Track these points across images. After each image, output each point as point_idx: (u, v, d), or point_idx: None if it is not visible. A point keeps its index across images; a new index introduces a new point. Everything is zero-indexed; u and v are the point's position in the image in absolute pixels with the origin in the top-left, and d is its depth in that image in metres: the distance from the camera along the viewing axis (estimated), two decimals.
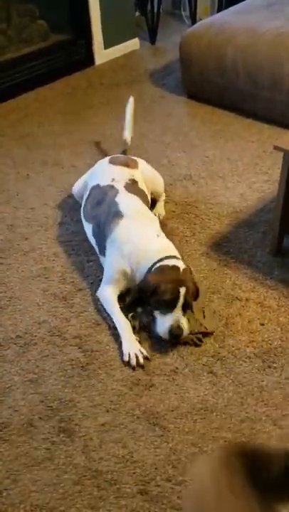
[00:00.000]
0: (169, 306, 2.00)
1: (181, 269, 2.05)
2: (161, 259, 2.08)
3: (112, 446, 1.74)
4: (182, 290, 2.00)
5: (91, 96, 3.87)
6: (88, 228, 2.41)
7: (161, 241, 2.19)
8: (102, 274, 2.33)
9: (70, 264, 2.42)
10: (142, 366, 1.96)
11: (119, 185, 2.37)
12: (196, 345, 2.04)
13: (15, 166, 3.12)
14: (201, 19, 4.53)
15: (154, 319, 2.06)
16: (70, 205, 2.79)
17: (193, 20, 4.85)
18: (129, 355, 1.98)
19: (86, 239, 2.55)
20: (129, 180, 2.43)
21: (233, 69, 3.39)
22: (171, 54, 4.35)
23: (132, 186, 2.40)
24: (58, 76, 4.07)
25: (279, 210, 2.33)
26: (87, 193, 2.49)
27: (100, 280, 2.30)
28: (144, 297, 2.06)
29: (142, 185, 2.47)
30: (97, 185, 2.44)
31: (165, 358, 2.01)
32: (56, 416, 1.83)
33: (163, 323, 2.01)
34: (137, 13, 4.80)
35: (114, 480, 1.65)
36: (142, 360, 1.97)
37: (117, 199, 2.30)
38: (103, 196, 2.36)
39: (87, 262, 2.43)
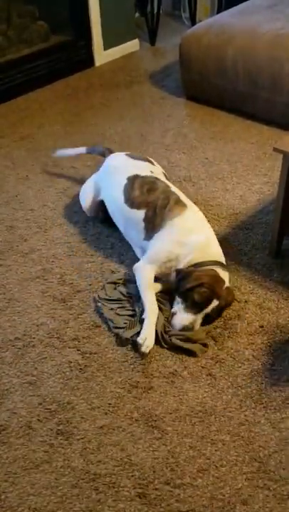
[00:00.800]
0: (194, 307, 2.04)
1: (225, 285, 2.11)
2: (216, 263, 2.14)
3: (111, 449, 1.73)
4: (214, 303, 2.06)
5: (91, 97, 3.87)
6: (137, 215, 2.31)
7: (218, 245, 2.25)
8: (101, 275, 2.34)
9: (69, 266, 2.42)
10: (144, 354, 1.99)
11: (164, 179, 2.41)
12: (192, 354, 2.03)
13: (14, 167, 3.12)
14: (200, 20, 4.54)
15: (174, 309, 2.10)
16: (69, 207, 2.79)
17: (193, 22, 4.85)
18: (145, 341, 1.99)
19: (85, 240, 2.55)
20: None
21: (233, 70, 3.38)
22: (171, 55, 4.35)
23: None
24: (58, 77, 4.07)
25: (278, 211, 2.32)
26: (124, 182, 2.40)
27: (99, 282, 2.30)
28: (178, 284, 2.09)
29: None
30: (137, 176, 2.40)
31: (164, 360, 2.00)
32: (54, 418, 1.82)
33: (180, 318, 2.06)
34: (137, 14, 4.80)
35: (112, 483, 1.65)
36: (147, 350, 1.99)
37: (173, 190, 2.33)
38: (153, 185, 2.35)
39: (86, 264, 2.42)
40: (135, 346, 2.02)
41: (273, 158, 3.02)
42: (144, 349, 1.99)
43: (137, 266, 2.24)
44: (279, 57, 3.19)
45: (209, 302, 2.05)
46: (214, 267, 2.11)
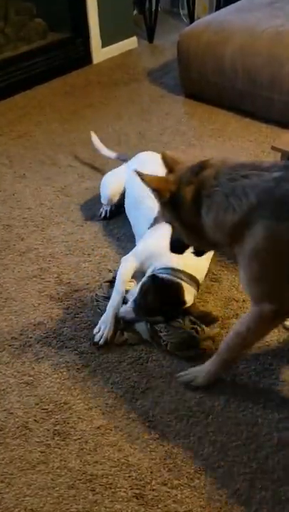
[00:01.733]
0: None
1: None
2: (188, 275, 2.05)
3: (108, 450, 1.72)
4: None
5: (89, 95, 3.85)
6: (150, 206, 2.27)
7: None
8: (98, 274, 2.34)
9: (66, 265, 2.41)
10: (96, 345, 2.02)
11: None
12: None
13: (12, 165, 3.10)
14: (199, 18, 4.51)
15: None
16: (66, 205, 2.77)
17: (192, 19, 4.82)
18: (100, 330, 2.03)
19: (82, 239, 2.55)
20: None
21: (232, 68, 3.36)
22: (169, 53, 4.33)
23: None
24: (56, 74, 4.04)
25: None
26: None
27: (96, 281, 2.29)
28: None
29: None
30: None
31: (161, 360, 1.99)
32: (51, 419, 1.81)
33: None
34: (135, 12, 4.78)
35: (109, 484, 1.64)
36: (102, 342, 2.02)
37: None
38: None
39: (84, 263, 2.41)
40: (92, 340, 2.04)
41: (271, 156, 3.00)
42: (97, 339, 2.02)
43: (123, 258, 2.21)
44: (278, 55, 3.18)
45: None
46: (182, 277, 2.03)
